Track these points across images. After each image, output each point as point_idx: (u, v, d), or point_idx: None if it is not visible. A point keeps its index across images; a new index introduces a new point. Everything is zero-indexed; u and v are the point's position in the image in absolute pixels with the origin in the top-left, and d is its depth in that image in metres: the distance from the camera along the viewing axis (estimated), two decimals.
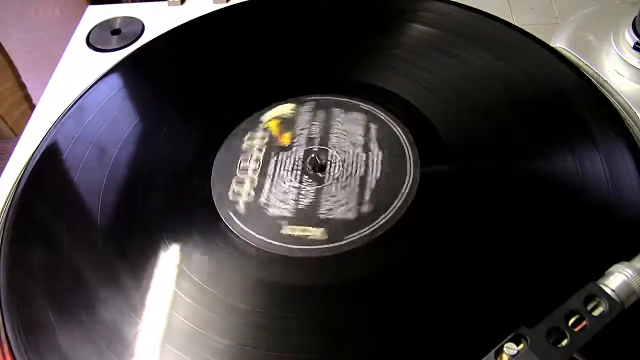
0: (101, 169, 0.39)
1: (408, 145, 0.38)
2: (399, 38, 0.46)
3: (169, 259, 0.34)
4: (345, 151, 0.38)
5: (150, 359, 0.30)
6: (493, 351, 0.25)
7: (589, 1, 0.47)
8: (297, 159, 0.38)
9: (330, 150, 0.39)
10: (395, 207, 0.35)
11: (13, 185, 0.40)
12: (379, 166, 0.37)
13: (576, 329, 0.25)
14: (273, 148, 0.39)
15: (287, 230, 0.34)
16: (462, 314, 0.30)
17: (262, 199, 0.36)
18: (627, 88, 0.41)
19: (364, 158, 0.38)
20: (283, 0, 0.52)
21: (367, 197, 0.36)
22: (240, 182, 0.37)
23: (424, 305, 0.31)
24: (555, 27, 0.47)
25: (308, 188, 0.37)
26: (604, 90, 0.40)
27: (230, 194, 0.36)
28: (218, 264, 0.33)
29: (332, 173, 0.37)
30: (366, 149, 0.38)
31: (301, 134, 0.40)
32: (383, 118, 0.40)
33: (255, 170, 0.38)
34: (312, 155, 0.38)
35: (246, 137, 0.40)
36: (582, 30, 0.45)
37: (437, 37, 0.45)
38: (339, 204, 0.35)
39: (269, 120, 0.40)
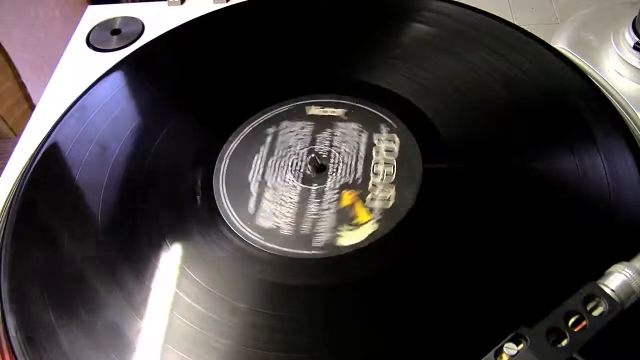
0: (102, 168, 0.39)
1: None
2: (399, 38, 0.46)
3: (170, 259, 0.34)
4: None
5: (151, 359, 0.30)
6: (493, 351, 0.25)
7: (589, 1, 0.47)
8: (298, 165, 0.38)
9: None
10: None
11: (13, 185, 0.40)
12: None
13: (576, 329, 0.25)
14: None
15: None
16: (462, 314, 0.30)
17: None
18: (627, 88, 0.41)
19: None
20: (283, 0, 0.52)
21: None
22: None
23: (424, 304, 0.31)
24: (555, 27, 0.47)
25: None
26: (604, 90, 0.40)
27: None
28: (219, 263, 0.33)
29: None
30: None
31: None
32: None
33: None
34: (312, 155, 0.38)
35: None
36: (582, 30, 0.45)
37: (437, 37, 0.45)
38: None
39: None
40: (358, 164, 0.38)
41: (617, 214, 0.32)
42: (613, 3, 0.47)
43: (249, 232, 0.35)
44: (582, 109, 0.38)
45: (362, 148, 0.38)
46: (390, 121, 0.40)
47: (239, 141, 0.40)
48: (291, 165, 0.38)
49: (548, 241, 0.32)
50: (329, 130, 0.40)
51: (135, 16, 0.54)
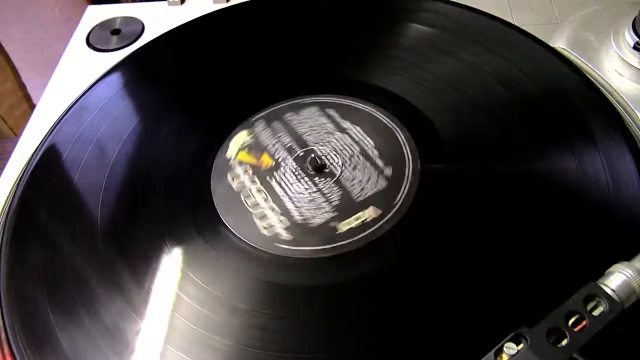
0: (101, 169, 0.39)
1: (408, 145, 0.38)
2: (399, 38, 0.46)
3: (170, 259, 0.34)
4: (334, 143, 0.39)
5: (151, 359, 0.30)
6: (493, 351, 0.25)
7: (589, 1, 0.47)
8: (295, 170, 0.38)
9: (318, 147, 0.39)
10: (395, 207, 0.35)
11: (13, 185, 0.40)
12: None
13: (576, 329, 0.25)
14: (262, 174, 0.38)
15: (343, 227, 0.34)
16: (462, 314, 0.30)
17: (298, 217, 0.35)
18: (627, 88, 0.41)
19: (357, 143, 0.38)
20: (283, 0, 0.52)
21: (380, 163, 0.36)
22: (263, 216, 0.35)
23: (424, 304, 0.31)
24: (555, 27, 0.47)
25: (328, 185, 0.37)
26: (604, 90, 0.40)
27: (264, 232, 0.35)
28: (218, 264, 0.33)
29: (336, 163, 0.38)
30: (360, 145, 0.38)
31: (277, 148, 0.39)
32: (383, 118, 0.40)
33: (266, 199, 0.36)
34: (312, 155, 0.38)
35: (229, 179, 0.38)
36: (582, 30, 0.45)
37: (437, 37, 0.45)
38: (365, 181, 0.36)
39: (237, 154, 0.39)
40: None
41: (617, 214, 0.32)
42: (613, 3, 0.47)
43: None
44: (582, 109, 0.38)
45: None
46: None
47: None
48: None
49: (548, 241, 0.32)
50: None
51: (135, 16, 0.54)
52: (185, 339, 0.30)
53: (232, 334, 0.30)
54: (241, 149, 0.39)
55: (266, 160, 0.38)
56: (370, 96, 0.41)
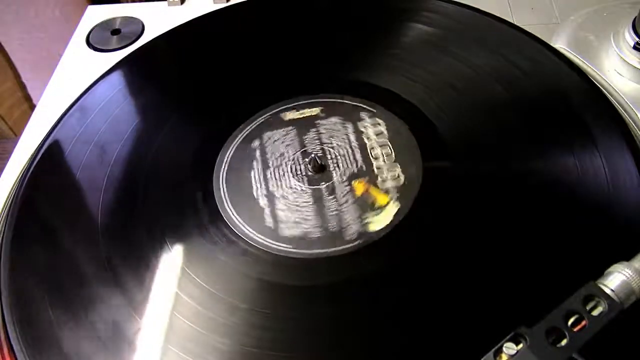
0: (102, 168, 0.39)
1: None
2: (399, 38, 0.46)
3: (170, 259, 0.34)
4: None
5: (151, 359, 0.30)
6: (492, 351, 0.25)
7: (589, 1, 0.47)
8: (295, 171, 0.38)
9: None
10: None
11: (13, 185, 0.40)
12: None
13: (575, 329, 0.25)
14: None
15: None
16: (462, 314, 0.30)
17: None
18: (627, 88, 0.41)
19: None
20: (283, 0, 0.52)
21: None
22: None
23: (424, 304, 0.31)
24: (555, 27, 0.47)
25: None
26: (604, 90, 0.40)
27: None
28: (219, 263, 0.33)
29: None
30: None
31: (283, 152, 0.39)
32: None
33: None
34: (312, 155, 0.38)
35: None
36: (582, 30, 0.45)
37: (437, 37, 0.45)
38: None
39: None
40: (355, 153, 0.38)
41: (616, 214, 0.32)
42: (613, 3, 0.47)
43: (249, 231, 0.35)
44: (582, 108, 0.38)
45: (352, 138, 0.39)
46: (389, 121, 0.40)
47: (236, 145, 0.40)
48: (291, 172, 0.38)
49: (548, 241, 0.32)
50: (314, 129, 0.40)
51: (135, 16, 0.54)
52: (186, 338, 0.30)
53: (232, 334, 0.30)
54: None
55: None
56: (369, 96, 0.41)
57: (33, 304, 0.32)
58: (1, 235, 0.36)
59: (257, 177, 0.38)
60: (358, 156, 0.38)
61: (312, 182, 0.37)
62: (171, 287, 0.32)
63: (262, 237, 0.34)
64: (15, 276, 0.34)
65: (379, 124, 0.39)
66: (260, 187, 0.37)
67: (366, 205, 0.35)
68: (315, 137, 0.40)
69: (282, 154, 0.39)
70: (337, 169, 0.37)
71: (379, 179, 0.36)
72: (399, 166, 0.37)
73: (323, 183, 0.37)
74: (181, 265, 0.34)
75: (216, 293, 0.32)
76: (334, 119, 0.40)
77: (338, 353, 0.30)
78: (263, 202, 0.36)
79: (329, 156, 0.38)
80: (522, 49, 0.43)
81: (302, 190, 0.37)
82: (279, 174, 0.38)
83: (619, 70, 0.42)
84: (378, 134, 0.39)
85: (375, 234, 0.34)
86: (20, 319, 0.32)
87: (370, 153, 0.38)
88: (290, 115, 0.41)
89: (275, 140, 0.40)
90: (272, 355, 0.29)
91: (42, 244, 0.35)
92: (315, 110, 0.41)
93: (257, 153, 0.39)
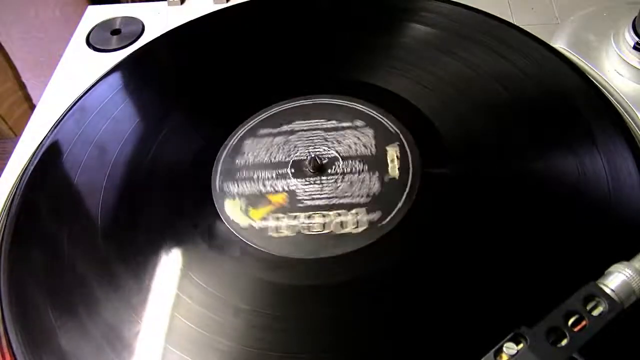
0: (102, 169, 0.39)
1: (408, 145, 0.38)
2: (399, 38, 0.46)
3: (170, 260, 0.34)
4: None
5: (151, 359, 0.30)
6: (492, 351, 0.25)
7: (589, 1, 0.47)
8: (296, 172, 0.38)
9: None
10: (396, 208, 0.35)
11: (13, 186, 0.40)
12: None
13: (576, 329, 0.25)
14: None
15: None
16: (462, 314, 0.30)
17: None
18: (627, 88, 0.41)
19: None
20: (283, 0, 0.52)
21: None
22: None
23: (424, 304, 0.31)
24: (555, 27, 0.47)
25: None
26: (604, 90, 0.40)
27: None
28: (219, 264, 0.33)
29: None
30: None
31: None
32: (382, 118, 0.40)
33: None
34: (312, 155, 0.38)
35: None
36: (582, 30, 0.45)
37: (437, 37, 0.45)
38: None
39: (253, 217, 0.36)
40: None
41: (617, 214, 0.32)
42: (613, 3, 0.47)
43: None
44: (582, 109, 0.38)
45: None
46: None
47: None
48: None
49: (548, 241, 0.32)
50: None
51: (135, 16, 0.54)
52: (186, 339, 0.30)
53: (233, 335, 0.30)
54: (246, 211, 0.36)
55: (277, 198, 0.37)
56: (369, 96, 0.41)
57: (33, 304, 0.32)
58: (1, 235, 0.36)
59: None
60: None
61: (312, 182, 0.37)
62: (171, 288, 0.32)
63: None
64: (15, 276, 0.34)
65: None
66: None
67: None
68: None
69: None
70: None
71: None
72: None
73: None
74: (181, 265, 0.34)
75: (216, 294, 0.32)
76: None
77: (339, 353, 0.30)
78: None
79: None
80: (522, 49, 0.42)
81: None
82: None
83: (619, 70, 0.42)
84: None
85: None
86: (20, 319, 0.32)
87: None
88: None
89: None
90: (272, 356, 0.29)
91: (42, 244, 0.35)
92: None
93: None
